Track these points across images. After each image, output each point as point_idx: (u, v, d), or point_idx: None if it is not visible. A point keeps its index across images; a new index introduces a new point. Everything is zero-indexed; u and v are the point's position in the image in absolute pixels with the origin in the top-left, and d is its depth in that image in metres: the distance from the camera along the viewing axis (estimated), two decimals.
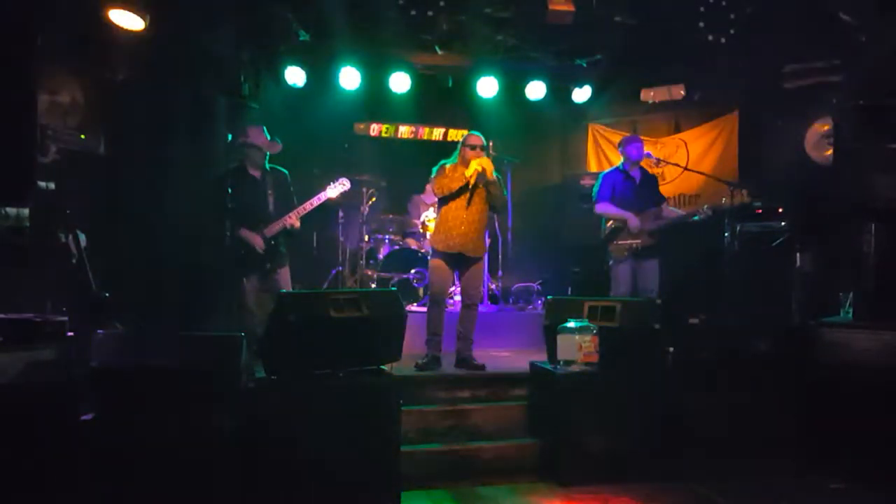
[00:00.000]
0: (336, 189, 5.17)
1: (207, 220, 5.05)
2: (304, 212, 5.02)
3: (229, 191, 4.83)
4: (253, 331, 4.34)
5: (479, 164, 4.79)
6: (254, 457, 3.35)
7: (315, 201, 5.05)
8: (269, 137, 5.07)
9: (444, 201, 4.99)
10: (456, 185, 4.86)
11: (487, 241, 5.51)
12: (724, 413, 4.07)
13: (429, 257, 5.21)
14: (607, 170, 6.01)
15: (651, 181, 5.83)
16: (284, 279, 5.04)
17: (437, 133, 8.13)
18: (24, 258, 4.05)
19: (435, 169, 5.02)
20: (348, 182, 5.18)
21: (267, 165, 5.10)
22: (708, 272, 5.71)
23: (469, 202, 4.91)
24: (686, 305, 5.42)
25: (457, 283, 5.51)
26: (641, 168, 5.77)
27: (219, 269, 4.97)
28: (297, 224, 5.01)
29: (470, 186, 4.87)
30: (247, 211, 4.91)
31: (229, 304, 4.93)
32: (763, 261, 5.74)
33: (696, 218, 5.50)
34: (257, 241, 4.89)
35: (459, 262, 4.97)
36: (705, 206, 5.53)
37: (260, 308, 4.78)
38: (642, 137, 6.36)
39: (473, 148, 4.93)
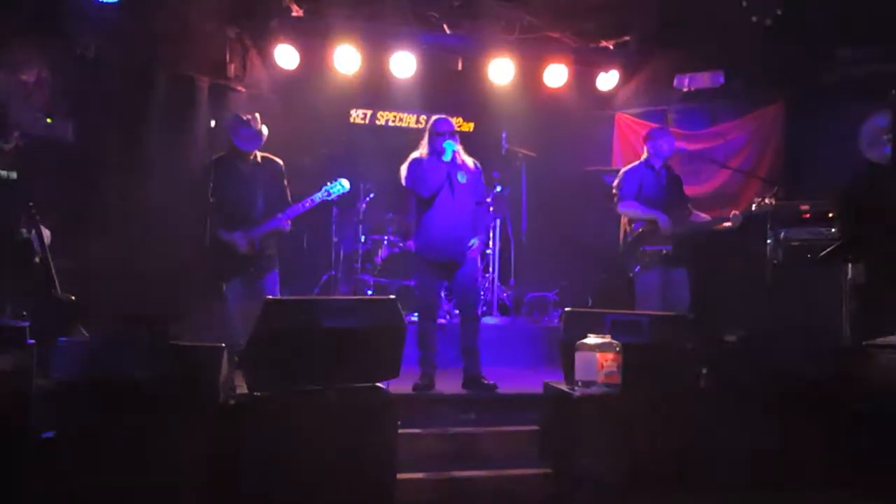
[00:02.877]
0: (335, 189, 5.14)
1: (187, 215, 5.07)
2: (296, 214, 5.02)
3: (211, 185, 4.82)
4: (235, 342, 4.34)
5: (455, 149, 4.83)
6: (234, 482, 3.36)
7: (308, 203, 5.03)
8: (262, 127, 5.05)
9: (425, 200, 4.97)
10: (438, 178, 4.88)
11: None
12: (762, 442, 4.05)
13: (414, 263, 5.15)
14: (629, 165, 5.92)
15: (676, 181, 5.78)
16: (272, 286, 5.04)
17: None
18: None
19: (405, 166, 5.00)
20: (348, 183, 5.18)
21: (259, 155, 5.08)
22: (747, 284, 5.67)
23: (454, 196, 4.92)
24: (722, 321, 5.40)
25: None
26: (668, 166, 5.73)
27: (199, 271, 4.97)
28: (288, 226, 5.01)
29: (451, 175, 4.87)
30: (230, 208, 4.90)
31: (210, 312, 4.94)
32: (811, 272, 5.70)
33: (726, 224, 5.44)
34: (240, 242, 4.88)
35: (451, 269, 4.99)
36: (734, 212, 5.46)
37: (244, 317, 4.77)
38: (674, 130, 6.33)
39: (442, 134, 4.93)
